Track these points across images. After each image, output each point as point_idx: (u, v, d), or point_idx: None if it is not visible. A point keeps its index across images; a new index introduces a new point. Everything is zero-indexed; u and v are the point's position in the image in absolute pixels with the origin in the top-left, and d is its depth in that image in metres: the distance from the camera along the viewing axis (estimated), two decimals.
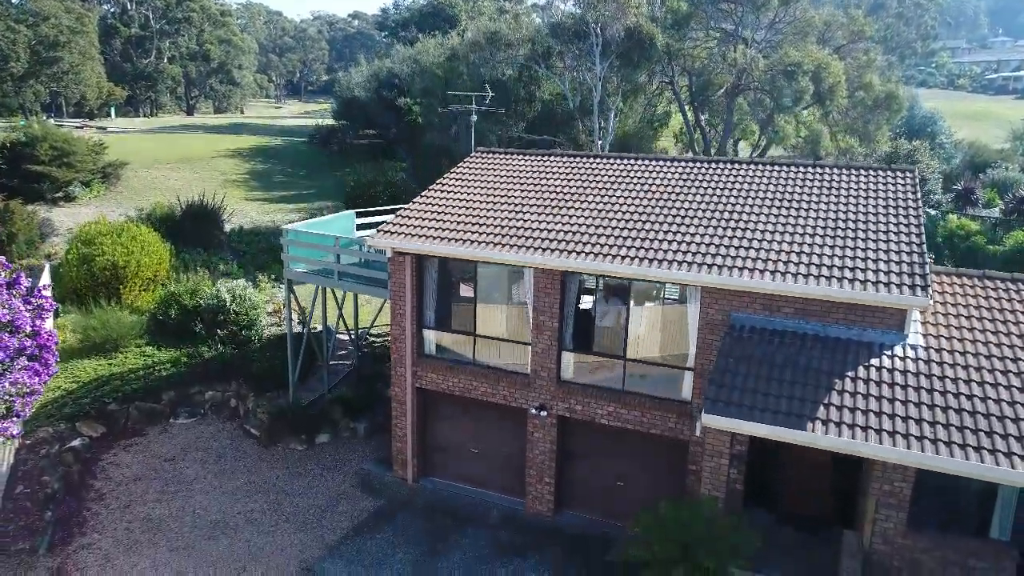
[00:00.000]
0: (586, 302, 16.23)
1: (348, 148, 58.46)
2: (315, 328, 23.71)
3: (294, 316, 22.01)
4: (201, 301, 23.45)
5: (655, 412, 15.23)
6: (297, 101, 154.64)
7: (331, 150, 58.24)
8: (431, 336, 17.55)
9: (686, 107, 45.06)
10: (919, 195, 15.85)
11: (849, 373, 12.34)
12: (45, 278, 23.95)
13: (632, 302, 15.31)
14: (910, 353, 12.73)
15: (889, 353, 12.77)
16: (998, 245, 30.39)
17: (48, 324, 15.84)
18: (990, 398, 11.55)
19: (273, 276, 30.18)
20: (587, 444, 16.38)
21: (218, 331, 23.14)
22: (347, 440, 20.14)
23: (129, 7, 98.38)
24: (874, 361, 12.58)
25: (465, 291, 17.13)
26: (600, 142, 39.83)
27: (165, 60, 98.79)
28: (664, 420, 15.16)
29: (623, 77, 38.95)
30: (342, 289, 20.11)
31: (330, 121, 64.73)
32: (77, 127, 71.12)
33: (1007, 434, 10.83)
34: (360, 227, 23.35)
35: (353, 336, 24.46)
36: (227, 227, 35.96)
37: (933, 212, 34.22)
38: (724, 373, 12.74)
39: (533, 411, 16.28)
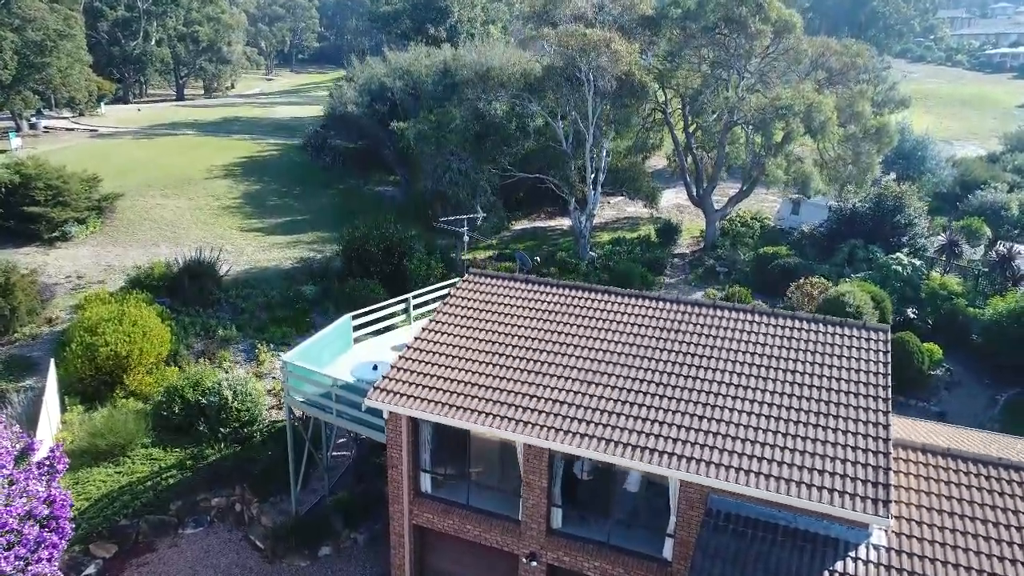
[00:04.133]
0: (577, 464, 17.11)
1: (342, 158, 58.44)
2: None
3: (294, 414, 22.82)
4: (203, 399, 24.21)
5: (639, 571, 16.25)
6: (288, 71, 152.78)
7: (324, 161, 58.22)
8: (427, 476, 18.47)
9: (678, 131, 45.31)
10: (889, 363, 16.60)
11: None
12: (51, 376, 24.70)
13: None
14: (872, 556, 13.67)
15: (853, 555, 13.71)
16: (979, 309, 31.13)
17: (60, 483, 16.56)
18: None
19: (271, 345, 30.89)
20: None
21: (221, 429, 24.01)
22: (348, 551, 21.23)
23: None
24: (838, 565, 13.53)
25: (459, 439, 17.93)
26: (592, 176, 40.15)
27: (153, 42, 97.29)
28: None
29: (615, 117, 39.09)
30: (340, 425, 20.88)
31: (321, 111, 64.28)
32: (68, 128, 70.87)
33: None
34: (357, 328, 24.12)
35: None
36: (224, 271, 36.39)
37: (919, 262, 34.85)
38: (700, 574, 13.73)
39: (524, 560, 17.29)
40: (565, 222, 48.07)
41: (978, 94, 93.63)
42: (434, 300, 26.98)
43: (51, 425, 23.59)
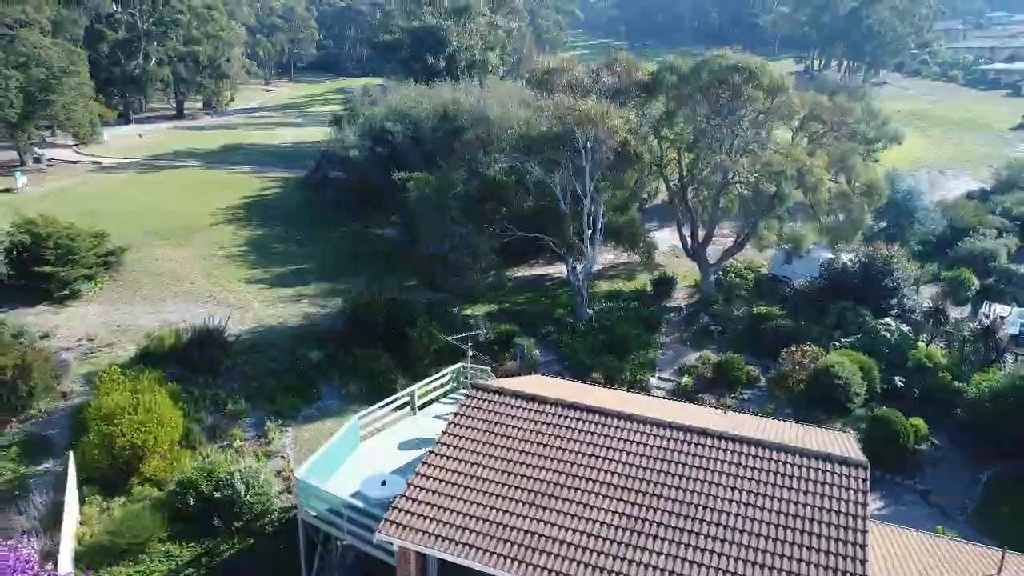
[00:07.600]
0: None
1: (344, 194, 59.29)
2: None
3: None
4: (217, 492, 25.23)
5: None
6: (287, 81, 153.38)
7: (326, 198, 59.17)
8: None
9: (673, 183, 46.43)
10: (867, 503, 17.68)
11: None
12: (71, 471, 25.76)
13: None
14: None
15: None
16: (964, 383, 32.18)
17: None
18: None
19: (280, 420, 31.93)
20: None
21: (235, 523, 25.07)
22: None
23: (116, 8, 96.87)
24: None
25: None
26: (589, 232, 41.10)
27: (153, 62, 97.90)
28: None
29: (612, 179, 40.08)
30: (351, 542, 21.96)
31: (323, 135, 65.90)
32: (71, 161, 71.69)
33: None
34: (363, 427, 25.20)
35: None
36: (233, 337, 37.29)
37: (906, 328, 35.95)
38: None
39: None
40: (564, 269, 49.04)
41: (971, 117, 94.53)
42: (438, 386, 28.17)
43: (71, 521, 24.62)
